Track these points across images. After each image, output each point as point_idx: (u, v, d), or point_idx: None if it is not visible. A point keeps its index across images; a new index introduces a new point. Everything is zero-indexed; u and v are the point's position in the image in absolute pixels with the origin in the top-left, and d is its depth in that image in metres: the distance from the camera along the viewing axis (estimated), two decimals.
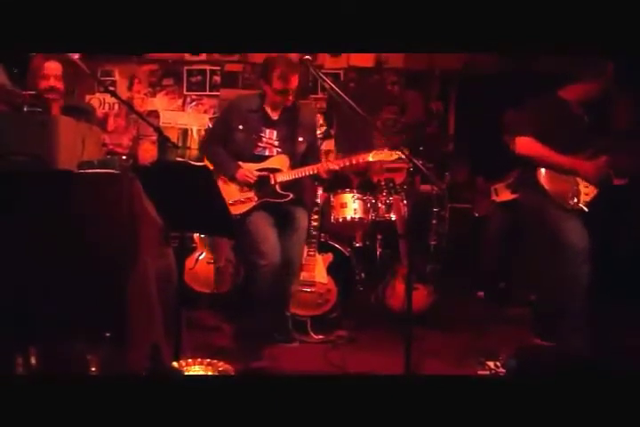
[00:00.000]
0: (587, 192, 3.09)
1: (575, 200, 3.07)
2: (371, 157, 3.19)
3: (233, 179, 3.17)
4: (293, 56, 3.00)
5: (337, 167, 3.19)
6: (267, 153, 3.24)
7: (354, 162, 3.21)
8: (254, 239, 3.10)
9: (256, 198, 3.18)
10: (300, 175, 3.20)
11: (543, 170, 3.11)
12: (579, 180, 3.10)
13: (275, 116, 3.26)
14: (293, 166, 3.24)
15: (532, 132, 3.08)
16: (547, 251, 3.20)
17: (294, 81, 3.10)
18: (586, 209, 3.06)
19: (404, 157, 3.09)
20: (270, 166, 3.22)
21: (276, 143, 3.25)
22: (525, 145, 3.11)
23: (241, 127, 3.20)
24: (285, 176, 3.21)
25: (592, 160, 3.09)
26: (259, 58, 5.07)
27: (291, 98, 3.18)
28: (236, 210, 3.13)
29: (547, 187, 3.09)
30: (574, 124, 3.12)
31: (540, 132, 3.06)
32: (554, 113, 3.11)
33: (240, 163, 3.20)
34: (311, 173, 3.19)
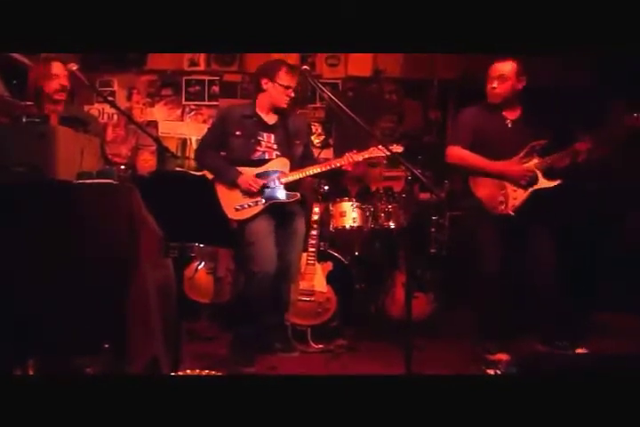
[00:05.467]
0: (515, 196, 3.12)
1: (504, 206, 3.12)
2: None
3: (235, 186, 3.16)
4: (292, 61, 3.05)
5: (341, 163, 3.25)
6: (266, 156, 3.25)
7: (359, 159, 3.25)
8: (252, 247, 3.08)
9: (263, 201, 3.16)
10: (304, 175, 3.25)
11: (475, 178, 3.20)
12: (507, 184, 3.14)
13: (270, 121, 3.28)
14: (293, 168, 3.26)
15: (459, 142, 3.22)
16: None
17: (296, 80, 3.24)
18: (512, 213, 3.10)
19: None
20: (272, 169, 3.23)
21: (275, 146, 3.27)
22: (453, 154, 3.25)
23: (238, 133, 3.22)
24: (290, 177, 3.23)
25: (523, 163, 3.13)
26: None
27: (292, 95, 3.23)
28: (243, 215, 3.12)
29: (478, 194, 3.17)
30: (504, 128, 3.19)
31: (469, 140, 3.19)
32: (481, 120, 3.21)
33: (239, 168, 3.20)
34: (315, 172, 3.25)
